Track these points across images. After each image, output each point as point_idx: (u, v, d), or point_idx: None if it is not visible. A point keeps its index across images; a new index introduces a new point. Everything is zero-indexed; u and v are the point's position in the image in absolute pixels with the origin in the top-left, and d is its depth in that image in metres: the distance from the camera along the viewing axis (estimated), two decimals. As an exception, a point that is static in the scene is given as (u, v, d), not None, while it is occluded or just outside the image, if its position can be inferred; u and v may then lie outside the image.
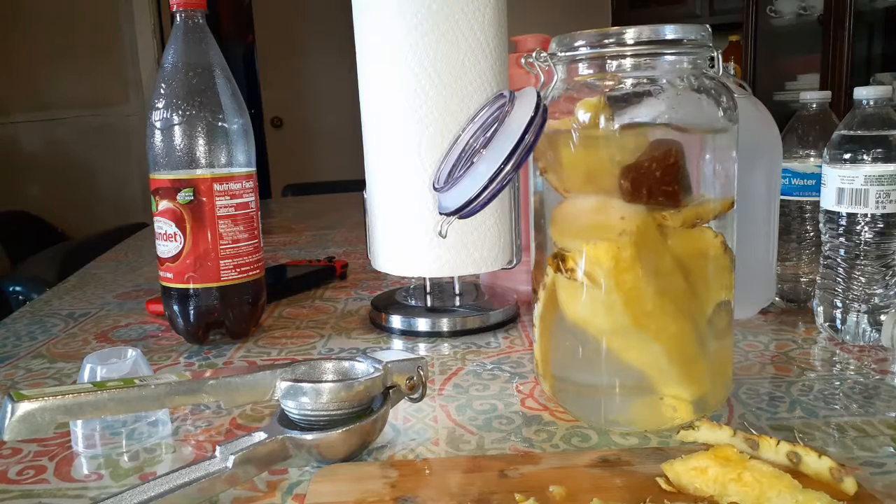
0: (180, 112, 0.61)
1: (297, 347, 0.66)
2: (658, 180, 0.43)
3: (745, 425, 0.47)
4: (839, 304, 0.61)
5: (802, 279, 0.71)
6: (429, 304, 0.71)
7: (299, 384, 0.43)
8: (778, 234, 0.67)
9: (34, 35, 3.03)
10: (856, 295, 0.60)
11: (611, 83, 0.44)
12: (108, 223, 1.84)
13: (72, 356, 0.66)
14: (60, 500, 0.41)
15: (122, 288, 0.92)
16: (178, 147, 0.62)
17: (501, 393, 0.54)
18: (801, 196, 0.69)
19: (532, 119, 0.43)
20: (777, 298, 0.71)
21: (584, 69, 0.45)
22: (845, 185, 0.59)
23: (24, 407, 0.36)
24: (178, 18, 0.63)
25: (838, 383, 0.54)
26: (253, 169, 0.66)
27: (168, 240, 0.63)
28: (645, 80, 0.44)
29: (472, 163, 0.46)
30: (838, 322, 0.61)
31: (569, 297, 0.46)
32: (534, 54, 0.47)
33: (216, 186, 0.62)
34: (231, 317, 0.65)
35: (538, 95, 0.44)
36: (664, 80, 0.44)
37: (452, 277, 0.72)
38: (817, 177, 0.66)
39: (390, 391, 0.46)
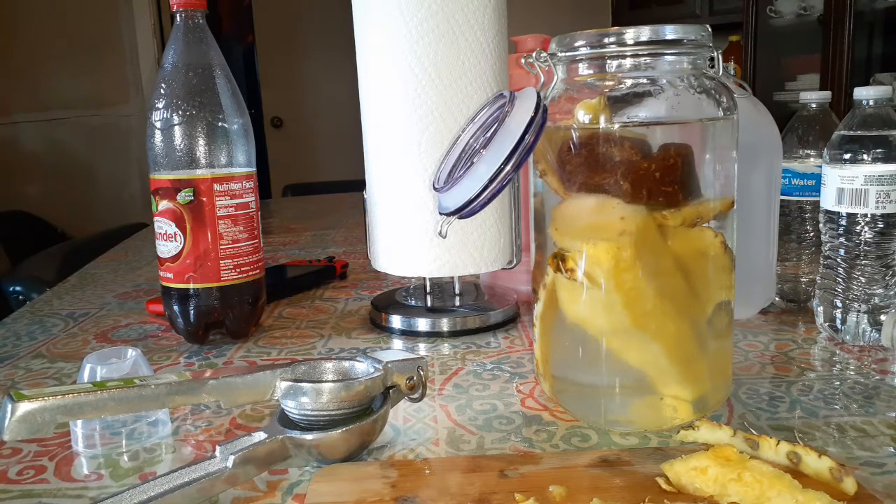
0: (180, 112, 0.61)
1: (297, 347, 0.66)
2: (658, 180, 0.43)
3: (745, 425, 0.47)
4: (839, 304, 0.61)
5: (802, 279, 0.71)
6: (429, 304, 0.71)
7: (299, 384, 0.43)
8: (778, 234, 0.67)
9: (34, 35, 3.03)
10: (856, 295, 0.60)
11: (611, 83, 0.44)
12: (108, 223, 1.84)
13: (72, 356, 0.66)
14: (60, 500, 0.41)
15: (122, 288, 0.92)
16: (178, 147, 0.62)
17: (501, 393, 0.54)
18: (801, 196, 0.69)
19: (532, 119, 0.43)
20: (777, 298, 0.71)
21: (584, 69, 0.46)
22: (845, 185, 0.59)
23: (24, 407, 0.36)
24: (178, 18, 0.63)
25: (838, 383, 0.54)
26: (253, 169, 0.66)
27: (168, 240, 0.63)
28: (645, 81, 0.44)
29: (472, 163, 0.46)
30: (838, 322, 0.61)
31: (569, 297, 0.46)
32: (534, 54, 0.47)
33: (216, 186, 0.62)
34: (231, 317, 0.66)
35: (538, 95, 0.44)
36: (664, 81, 0.44)
37: (452, 277, 0.72)
38: (817, 177, 0.66)
39: (390, 391, 0.46)
